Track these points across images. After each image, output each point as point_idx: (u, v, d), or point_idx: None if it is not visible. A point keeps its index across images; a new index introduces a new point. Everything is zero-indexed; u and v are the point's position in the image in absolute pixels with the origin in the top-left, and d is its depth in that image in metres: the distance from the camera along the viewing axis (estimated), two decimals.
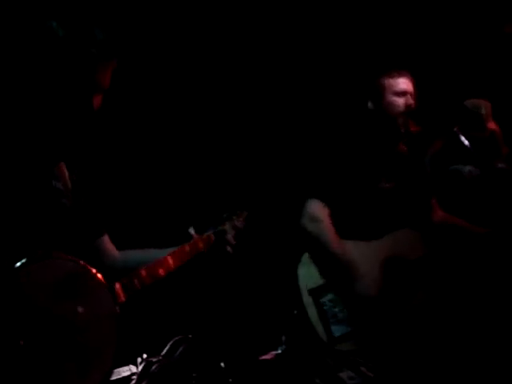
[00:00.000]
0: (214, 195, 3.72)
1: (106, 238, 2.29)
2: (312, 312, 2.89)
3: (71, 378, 1.79)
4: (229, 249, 2.35)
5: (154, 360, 2.79)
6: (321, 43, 3.88)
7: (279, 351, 3.21)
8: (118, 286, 1.97)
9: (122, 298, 1.97)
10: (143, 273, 2.06)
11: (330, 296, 2.89)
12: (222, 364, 3.01)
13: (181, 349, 2.92)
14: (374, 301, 2.85)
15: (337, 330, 2.86)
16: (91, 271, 1.91)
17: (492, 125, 2.71)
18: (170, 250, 2.23)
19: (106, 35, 2.00)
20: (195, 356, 2.89)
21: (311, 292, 2.91)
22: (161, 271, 2.12)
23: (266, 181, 3.80)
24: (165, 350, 2.89)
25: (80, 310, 1.84)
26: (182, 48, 3.70)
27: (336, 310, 2.88)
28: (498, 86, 3.59)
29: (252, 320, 3.76)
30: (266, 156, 3.88)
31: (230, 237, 2.35)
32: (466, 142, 2.71)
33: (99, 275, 1.92)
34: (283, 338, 3.25)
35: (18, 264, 1.76)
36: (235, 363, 3.11)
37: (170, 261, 2.17)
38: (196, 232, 2.33)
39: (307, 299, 2.90)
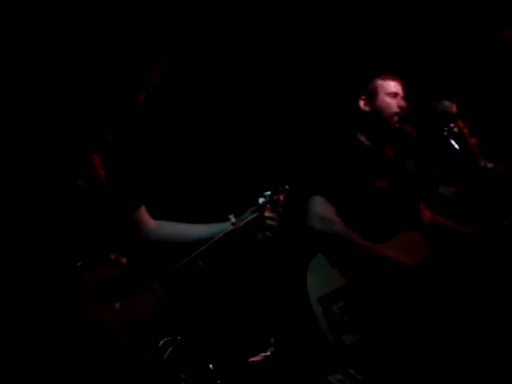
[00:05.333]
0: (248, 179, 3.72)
1: (142, 210, 2.36)
2: (322, 321, 2.84)
3: (109, 376, 1.88)
4: (268, 233, 2.27)
5: None
6: (314, 45, 3.90)
7: (268, 353, 3.21)
8: (157, 285, 2.06)
9: (162, 294, 2.06)
10: (182, 268, 2.12)
11: (340, 304, 2.84)
12: (211, 365, 3.00)
13: (170, 350, 2.91)
14: (412, 270, 2.83)
15: (348, 339, 2.82)
16: (133, 274, 2.02)
17: (459, 122, 2.79)
18: (204, 226, 2.28)
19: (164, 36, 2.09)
20: (184, 357, 2.88)
21: (320, 301, 2.86)
22: (200, 263, 2.16)
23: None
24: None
25: (120, 310, 1.95)
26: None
27: (346, 318, 2.83)
28: (498, 89, 3.64)
29: (241, 322, 3.75)
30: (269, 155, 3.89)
31: (268, 222, 2.26)
32: (457, 146, 2.73)
33: (141, 277, 2.04)
34: (272, 339, 3.25)
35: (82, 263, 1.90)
36: (224, 365, 3.11)
37: (209, 251, 2.19)
38: (236, 217, 2.29)
39: (317, 308, 2.85)
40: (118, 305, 1.96)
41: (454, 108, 2.78)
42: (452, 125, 2.75)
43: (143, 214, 2.36)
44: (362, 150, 3.07)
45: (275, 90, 3.91)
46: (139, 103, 2.07)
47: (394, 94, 3.08)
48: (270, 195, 2.34)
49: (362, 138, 3.12)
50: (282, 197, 2.36)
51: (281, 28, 3.80)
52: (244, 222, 2.26)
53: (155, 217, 2.43)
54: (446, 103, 2.78)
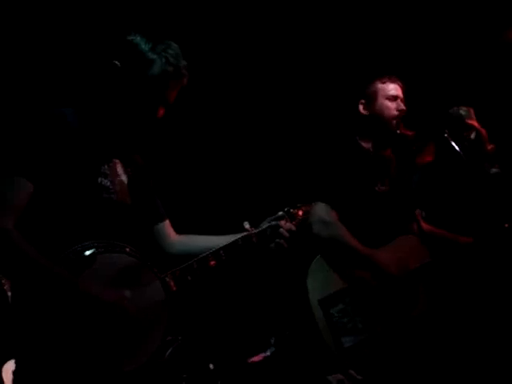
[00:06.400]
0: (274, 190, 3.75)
1: (166, 223, 2.42)
2: (321, 323, 2.84)
3: (116, 358, 1.90)
4: (282, 242, 2.31)
5: None
6: (312, 50, 3.90)
7: (268, 353, 3.22)
8: (169, 277, 2.10)
9: (174, 288, 2.10)
10: (194, 265, 2.17)
11: (339, 307, 2.84)
12: (211, 365, 3.02)
13: (170, 350, 2.92)
14: (398, 278, 2.84)
15: (346, 341, 2.82)
16: (147, 265, 2.07)
17: (475, 126, 2.78)
18: (230, 237, 2.31)
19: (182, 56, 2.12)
20: (185, 357, 2.89)
21: (320, 303, 2.86)
22: (212, 263, 2.21)
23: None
24: None
25: (130, 297, 1.98)
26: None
27: (345, 320, 2.84)
28: (498, 92, 3.64)
29: (242, 322, 3.76)
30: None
31: (283, 230, 2.31)
32: (457, 148, 2.73)
33: (154, 269, 2.08)
34: (272, 340, 3.26)
35: (96, 250, 1.95)
36: (224, 365, 3.12)
37: (222, 253, 2.24)
38: (251, 226, 2.35)
39: (316, 310, 2.86)
40: (127, 291, 1.99)
41: (468, 111, 2.77)
42: (468, 130, 2.75)
43: (167, 227, 2.41)
44: (364, 155, 3.06)
45: (277, 94, 3.92)
46: (158, 118, 2.13)
47: (394, 97, 3.04)
48: (287, 209, 2.43)
49: (364, 143, 3.11)
50: (300, 212, 2.45)
51: (281, 34, 3.81)
52: (259, 229, 2.34)
53: (178, 230, 2.46)
54: (459, 106, 2.78)
